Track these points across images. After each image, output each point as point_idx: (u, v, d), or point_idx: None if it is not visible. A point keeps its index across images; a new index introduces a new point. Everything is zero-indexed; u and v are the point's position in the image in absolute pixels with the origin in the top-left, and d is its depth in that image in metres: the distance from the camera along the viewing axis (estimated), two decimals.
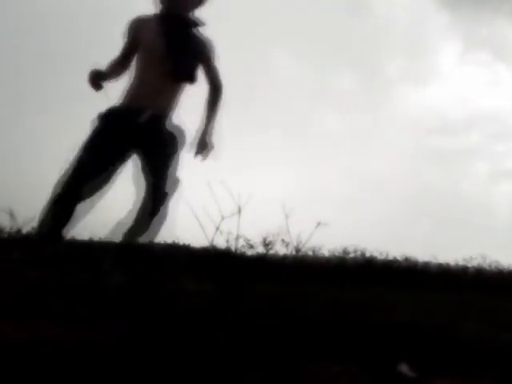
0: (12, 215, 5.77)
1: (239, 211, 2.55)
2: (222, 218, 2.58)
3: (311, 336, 1.92)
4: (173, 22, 2.89)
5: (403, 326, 2.19)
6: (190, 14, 2.94)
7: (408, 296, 4.66)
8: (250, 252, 7.51)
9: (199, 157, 2.92)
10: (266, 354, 1.64)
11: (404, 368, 1.55)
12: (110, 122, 2.79)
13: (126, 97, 2.90)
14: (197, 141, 2.95)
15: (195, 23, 2.94)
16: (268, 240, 7.40)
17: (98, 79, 2.84)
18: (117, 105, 2.89)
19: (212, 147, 2.94)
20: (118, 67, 2.97)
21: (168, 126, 2.93)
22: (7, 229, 6.00)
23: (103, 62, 2.93)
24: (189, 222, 2.82)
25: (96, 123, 2.79)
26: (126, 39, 2.93)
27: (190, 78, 2.94)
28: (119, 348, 1.57)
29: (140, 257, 3.11)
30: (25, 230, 6.07)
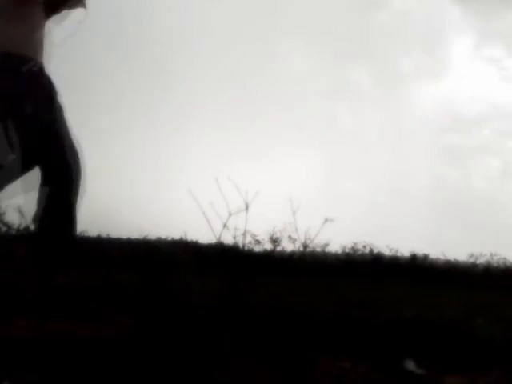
0: (21, 212, 5.78)
1: (246, 207, 2.54)
2: (230, 214, 2.58)
3: (320, 332, 1.93)
4: None
5: (411, 323, 2.18)
6: None
7: (416, 292, 4.64)
8: (257, 248, 7.53)
9: None
10: (274, 351, 1.64)
11: (410, 365, 1.55)
12: None
13: None
14: None
15: None
16: (275, 236, 7.42)
17: None
18: None
19: None
20: None
21: None
22: (15, 225, 6.06)
23: None
24: (196, 218, 2.84)
25: None
26: None
27: None
28: (126, 344, 1.59)
29: (148, 253, 3.13)
30: (33, 228, 6.11)
